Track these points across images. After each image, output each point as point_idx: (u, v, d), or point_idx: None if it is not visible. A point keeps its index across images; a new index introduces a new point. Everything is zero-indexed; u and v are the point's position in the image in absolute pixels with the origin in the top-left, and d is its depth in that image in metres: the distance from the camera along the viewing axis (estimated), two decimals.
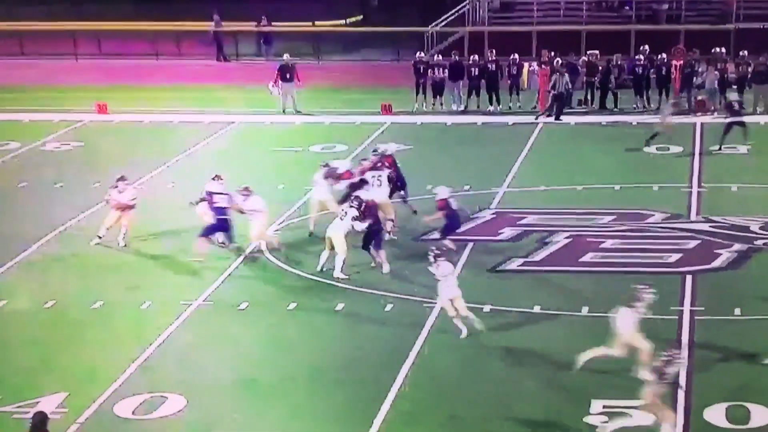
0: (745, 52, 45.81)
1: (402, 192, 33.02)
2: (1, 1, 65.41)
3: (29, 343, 25.81)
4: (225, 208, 29.89)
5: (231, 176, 31.89)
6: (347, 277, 28.75)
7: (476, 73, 46.51)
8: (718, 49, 46.60)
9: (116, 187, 30.82)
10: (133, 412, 22.30)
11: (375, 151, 33.53)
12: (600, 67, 46.10)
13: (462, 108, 46.36)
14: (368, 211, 29.25)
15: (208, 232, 30.03)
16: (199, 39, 59.41)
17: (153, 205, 33.47)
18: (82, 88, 50.93)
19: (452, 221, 29.92)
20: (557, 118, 44.15)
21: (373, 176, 31.20)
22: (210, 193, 30.14)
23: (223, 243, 30.43)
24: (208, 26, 58.72)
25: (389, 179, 31.64)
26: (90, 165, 38.72)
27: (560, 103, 44.34)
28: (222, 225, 29.95)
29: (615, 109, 45.67)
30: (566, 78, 44.61)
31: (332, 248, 28.85)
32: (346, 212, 29.06)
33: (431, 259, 24.76)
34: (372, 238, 29.35)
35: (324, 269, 28.98)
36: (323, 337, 25.63)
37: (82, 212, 33.03)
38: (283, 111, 46.01)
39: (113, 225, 30.68)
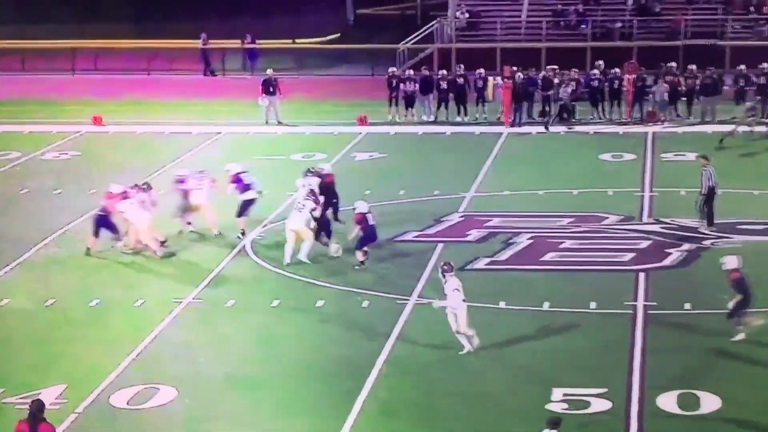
0: (694, 66, 45.82)
1: (334, 209, 32.36)
2: (8, 20, 65.20)
3: (31, 339, 25.74)
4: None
5: (220, 183, 31.86)
6: (309, 262, 29.33)
7: (445, 86, 46.46)
8: (668, 64, 46.65)
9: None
10: (127, 403, 22.23)
11: (310, 170, 32.90)
12: (559, 80, 46.17)
13: (432, 119, 46.29)
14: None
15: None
16: (188, 56, 59.17)
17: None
18: (80, 102, 50.72)
19: (368, 234, 29.48)
20: (546, 127, 44.59)
21: (299, 201, 30.64)
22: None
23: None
24: (197, 44, 58.55)
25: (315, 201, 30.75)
26: (87, 173, 38.56)
27: (566, 112, 44.84)
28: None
29: (575, 119, 45.60)
30: (569, 89, 44.92)
31: (296, 240, 29.35)
32: (303, 205, 29.51)
33: (440, 274, 24.51)
34: (322, 228, 30.06)
35: (292, 262, 29.25)
36: (305, 332, 25.53)
37: (80, 217, 32.78)
38: (266, 122, 45.88)
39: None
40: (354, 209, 29.80)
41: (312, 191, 30.20)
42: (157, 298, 27.57)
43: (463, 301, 23.50)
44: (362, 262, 29.18)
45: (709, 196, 31.57)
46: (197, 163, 40.15)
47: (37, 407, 18.60)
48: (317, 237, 29.87)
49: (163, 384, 22.80)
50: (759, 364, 23.35)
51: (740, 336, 24.03)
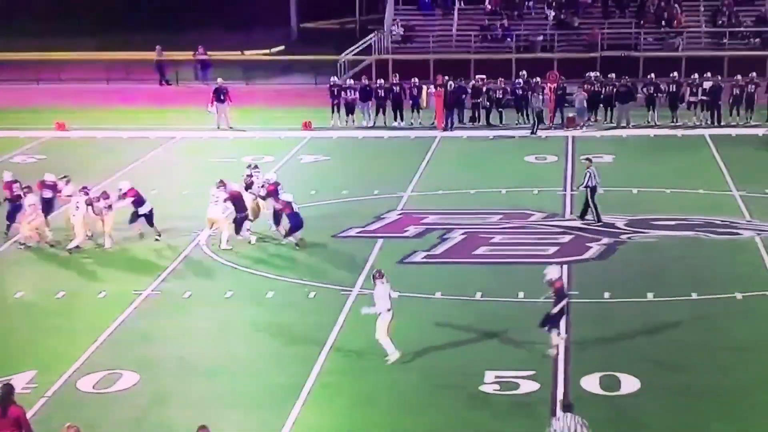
0: (613, 75, 46.10)
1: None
2: None
3: (2, 329, 25.56)
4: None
5: (173, 183, 31.84)
6: (231, 248, 29.82)
7: (382, 94, 46.49)
8: (590, 74, 46.99)
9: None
10: (93, 387, 22.13)
11: (255, 167, 33.12)
12: (486, 89, 46.36)
13: (371, 124, 46.29)
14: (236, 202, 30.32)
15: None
16: (144, 67, 58.82)
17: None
18: (44, 109, 50.30)
19: (294, 222, 29.94)
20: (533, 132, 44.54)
21: (213, 194, 30.57)
22: None
23: None
24: (152, 56, 58.28)
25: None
26: (51, 173, 38.17)
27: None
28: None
29: (500, 125, 45.74)
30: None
31: (212, 227, 30.25)
32: (217, 196, 30.04)
33: (372, 279, 24.20)
34: (241, 223, 30.38)
35: (205, 245, 29.98)
36: (256, 321, 25.37)
37: (46, 216, 32.45)
38: (218, 127, 45.71)
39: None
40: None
41: (221, 181, 30.61)
42: (119, 290, 27.35)
43: (389, 311, 22.85)
44: (297, 244, 29.92)
45: (592, 192, 31.94)
46: (155, 165, 40.22)
47: (7, 391, 18.46)
48: (236, 231, 30.43)
49: (126, 369, 22.67)
50: (675, 348, 23.53)
51: (557, 342, 23.25)
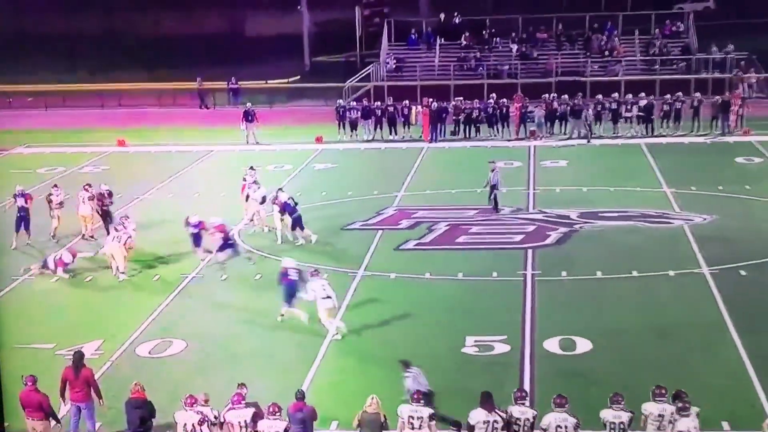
0: (566, 96, 45.93)
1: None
2: (52, 69, 64.66)
3: (76, 306, 25.58)
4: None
5: (211, 188, 31.68)
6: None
7: (380, 113, 46.30)
8: (548, 94, 46.97)
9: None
10: (149, 353, 22.09)
11: (251, 168, 32.81)
12: (464, 108, 46.26)
13: (371, 137, 46.08)
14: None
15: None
16: (187, 94, 58.72)
17: (159, 204, 32.96)
18: (107, 129, 50.06)
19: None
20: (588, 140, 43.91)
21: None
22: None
23: None
24: (194, 85, 58.22)
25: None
26: (115, 181, 37.94)
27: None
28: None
29: (475, 137, 45.59)
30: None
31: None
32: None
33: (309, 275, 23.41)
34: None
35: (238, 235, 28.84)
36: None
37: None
38: (247, 142, 45.50)
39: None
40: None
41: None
42: (169, 275, 27.28)
43: (324, 298, 22.46)
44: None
45: (492, 189, 32.09)
46: (197, 173, 40.12)
47: (79, 356, 18.40)
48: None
49: (176, 338, 22.67)
50: (620, 317, 23.46)
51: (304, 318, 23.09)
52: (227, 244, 26.88)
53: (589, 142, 43.47)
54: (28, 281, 27.06)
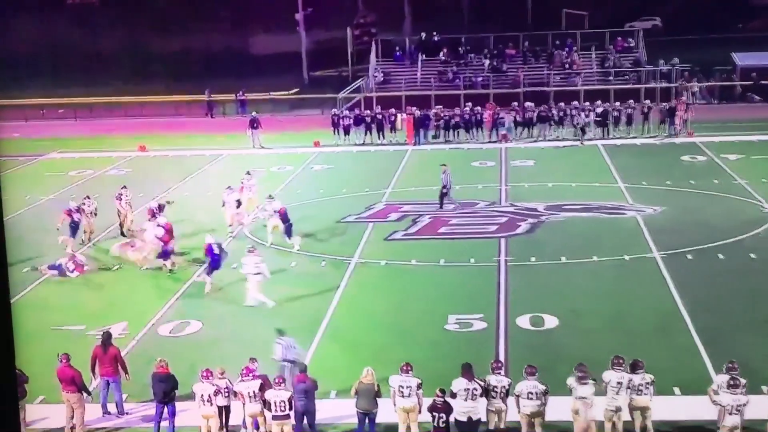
0: (531, 104, 45.93)
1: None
2: (78, 83, 64.32)
3: (103, 291, 25.38)
4: None
5: (222, 187, 31.41)
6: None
7: (369, 120, 46.18)
8: (514, 103, 46.89)
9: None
10: (169, 332, 21.96)
11: (247, 173, 32.48)
12: (443, 115, 46.14)
13: (362, 142, 45.89)
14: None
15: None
16: (200, 104, 58.49)
17: (179, 200, 32.72)
18: (130, 136, 49.70)
19: (214, 262, 24.78)
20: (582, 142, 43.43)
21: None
22: None
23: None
24: (204, 96, 58.04)
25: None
26: (137, 182, 37.80)
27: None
28: None
29: (453, 141, 45.46)
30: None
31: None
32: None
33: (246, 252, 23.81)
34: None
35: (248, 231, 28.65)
36: (284, 280, 24.85)
37: (136, 211, 31.86)
38: (253, 146, 45.29)
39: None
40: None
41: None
42: (185, 265, 26.89)
43: (255, 274, 22.93)
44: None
45: (444, 189, 31.96)
46: (210, 173, 39.91)
47: (107, 335, 18.31)
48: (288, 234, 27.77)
49: (193, 319, 22.55)
50: (582, 296, 23.41)
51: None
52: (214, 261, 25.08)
53: (582, 144, 43.06)
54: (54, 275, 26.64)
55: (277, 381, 16.20)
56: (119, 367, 17.87)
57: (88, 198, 30.44)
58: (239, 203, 30.17)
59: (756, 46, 61.86)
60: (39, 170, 42.52)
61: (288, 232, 28.16)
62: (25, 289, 25.12)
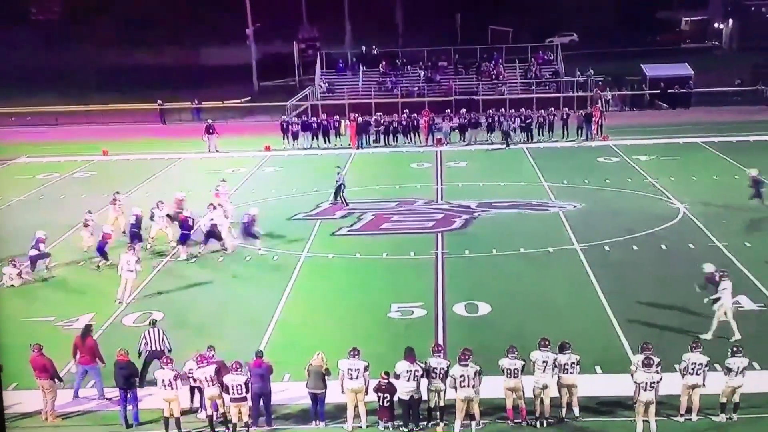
0: (464, 110, 46.14)
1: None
2: (44, 91, 63.02)
3: (71, 284, 24.80)
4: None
5: (182, 187, 30.98)
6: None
7: (316, 126, 45.93)
8: (447, 110, 46.99)
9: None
10: (133, 322, 21.56)
11: (223, 180, 32.00)
12: (383, 121, 46.03)
13: (309, 146, 45.53)
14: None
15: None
16: (154, 112, 57.51)
17: (138, 202, 32.10)
18: (94, 142, 48.49)
19: (184, 232, 26.21)
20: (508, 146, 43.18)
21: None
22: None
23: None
24: (156, 106, 57.18)
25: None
26: (100, 184, 37.12)
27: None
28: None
29: (393, 144, 45.36)
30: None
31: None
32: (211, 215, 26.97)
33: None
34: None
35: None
36: (238, 273, 24.74)
37: (96, 211, 31.21)
38: (209, 150, 44.71)
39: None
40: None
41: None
42: (149, 258, 26.36)
43: (128, 271, 22.83)
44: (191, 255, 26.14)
45: (339, 187, 31.99)
46: (169, 175, 39.29)
47: (86, 329, 18.14)
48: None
49: (155, 310, 22.06)
50: (512, 284, 23.50)
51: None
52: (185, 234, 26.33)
53: (508, 147, 43.01)
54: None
55: (234, 366, 16.01)
56: (96, 357, 17.63)
57: (161, 203, 28.12)
58: (170, 218, 27.87)
59: (663, 57, 62.98)
60: (8, 174, 41.47)
61: (250, 233, 27.05)
62: None
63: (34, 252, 25.60)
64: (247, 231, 26.99)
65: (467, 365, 15.72)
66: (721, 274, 19.47)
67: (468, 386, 15.64)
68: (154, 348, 17.87)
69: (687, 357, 16.05)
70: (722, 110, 51.96)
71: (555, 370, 16.07)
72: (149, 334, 18.07)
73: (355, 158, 42.43)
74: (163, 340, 18.01)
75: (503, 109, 46.73)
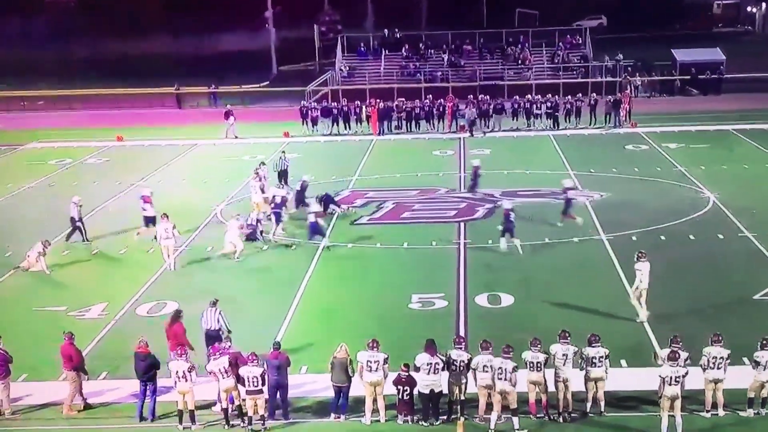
0: (488, 96, 45.99)
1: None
2: (70, 76, 63.47)
3: (84, 273, 24.93)
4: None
5: (197, 174, 31.05)
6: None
7: (336, 112, 45.89)
8: (470, 96, 46.85)
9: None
10: (147, 312, 21.64)
11: (263, 163, 32.39)
12: (405, 107, 45.98)
13: (329, 132, 45.57)
14: None
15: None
16: (168, 98, 57.78)
17: (158, 188, 32.33)
18: (108, 128, 48.81)
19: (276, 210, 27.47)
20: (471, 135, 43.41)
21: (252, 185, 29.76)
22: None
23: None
24: (173, 90, 57.43)
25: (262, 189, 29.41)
26: (114, 171, 37.36)
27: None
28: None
29: (415, 131, 45.28)
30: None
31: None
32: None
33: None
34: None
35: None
36: (259, 263, 24.79)
37: (112, 198, 31.48)
38: (227, 136, 44.86)
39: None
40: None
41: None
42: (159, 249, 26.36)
43: (167, 239, 24.03)
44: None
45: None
46: (185, 162, 39.41)
47: (177, 313, 18.35)
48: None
49: (169, 300, 22.15)
50: (536, 274, 23.40)
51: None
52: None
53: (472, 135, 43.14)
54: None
55: (250, 358, 16.01)
56: (179, 344, 17.14)
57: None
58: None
59: (694, 42, 62.38)
60: (19, 159, 41.80)
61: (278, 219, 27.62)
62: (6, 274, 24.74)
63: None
64: (299, 198, 28.87)
65: (488, 352, 15.74)
66: (639, 254, 20.02)
67: (505, 379, 15.59)
68: (209, 327, 18.02)
69: (707, 351, 15.93)
70: (754, 97, 51.42)
71: (582, 363, 15.99)
72: (208, 313, 18.18)
73: (376, 145, 42.36)
74: (218, 320, 18.08)
75: (529, 95, 46.39)
